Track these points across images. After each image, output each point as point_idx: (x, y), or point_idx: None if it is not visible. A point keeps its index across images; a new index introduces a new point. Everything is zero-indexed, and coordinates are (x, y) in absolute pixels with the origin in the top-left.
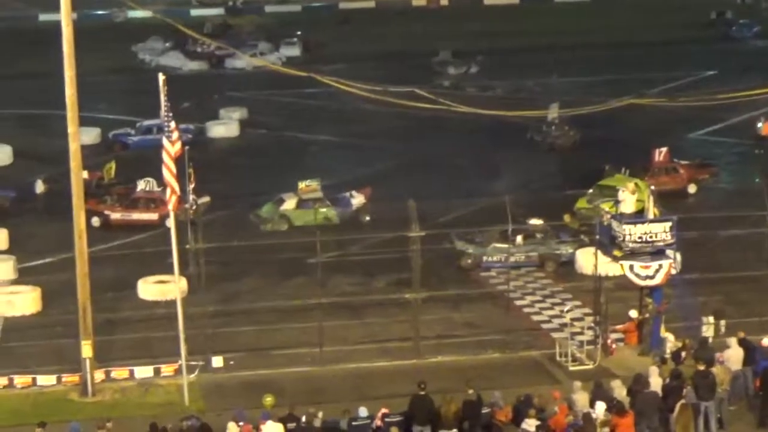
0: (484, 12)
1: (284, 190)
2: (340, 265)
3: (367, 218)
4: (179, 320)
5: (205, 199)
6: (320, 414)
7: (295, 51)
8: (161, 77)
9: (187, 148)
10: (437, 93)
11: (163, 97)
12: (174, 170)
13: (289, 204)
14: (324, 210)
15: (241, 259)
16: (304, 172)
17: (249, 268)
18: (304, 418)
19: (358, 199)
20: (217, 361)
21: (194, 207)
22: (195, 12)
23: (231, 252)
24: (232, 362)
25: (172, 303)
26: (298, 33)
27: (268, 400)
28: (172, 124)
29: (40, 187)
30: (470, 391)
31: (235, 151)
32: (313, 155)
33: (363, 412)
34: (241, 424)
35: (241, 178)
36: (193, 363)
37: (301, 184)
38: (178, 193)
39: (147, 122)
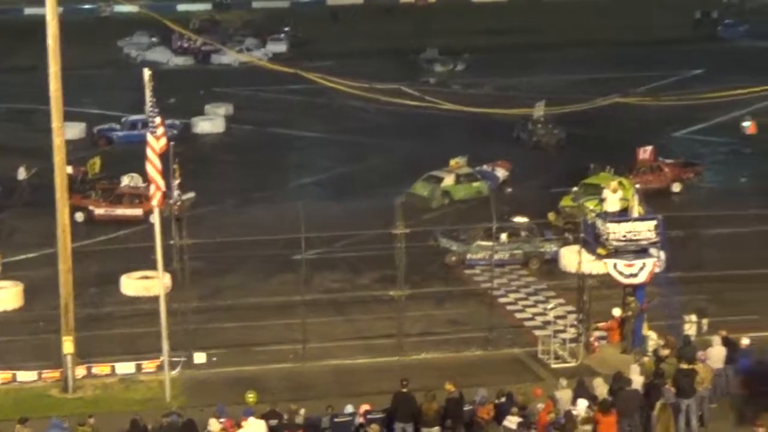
0: (472, 9)
1: (271, 186)
2: (325, 262)
3: (509, 190)
4: (162, 316)
5: (190, 195)
6: (302, 411)
7: (282, 47)
8: (147, 72)
9: (172, 143)
10: (423, 90)
11: (148, 93)
12: (159, 166)
13: (449, 180)
14: (477, 184)
15: (226, 256)
16: (291, 169)
17: (233, 264)
18: (286, 415)
19: (501, 172)
20: (200, 357)
21: (179, 203)
22: (182, 7)
23: (216, 248)
24: (214, 358)
25: (155, 299)
26: (286, 29)
27: (251, 396)
28: (158, 120)
29: (22, 173)
30: (452, 389)
31: (220, 147)
32: (300, 151)
33: (348, 408)
34: (222, 420)
35: (226, 173)
36: (175, 359)
37: (452, 161)
38: (163, 188)
39: (132, 117)
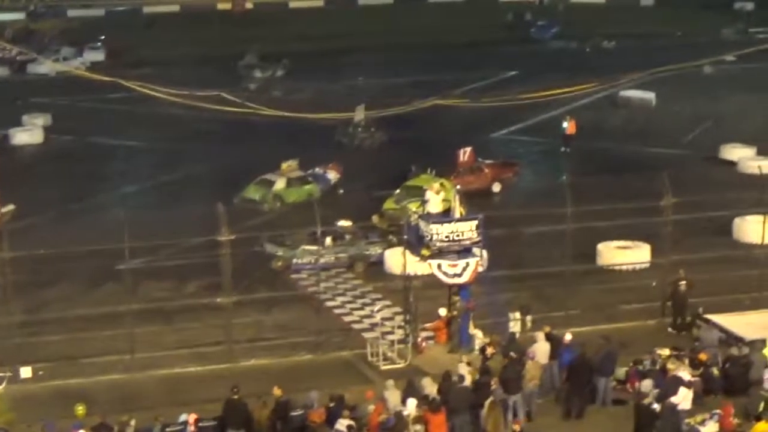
0: (290, 15)
1: (93, 196)
2: (151, 270)
3: (341, 191)
4: None
5: (10, 207)
6: (133, 422)
7: (99, 56)
8: None
9: None
10: (244, 96)
11: None
12: None
13: (280, 184)
14: (308, 187)
15: (50, 268)
16: (113, 178)
17: (57, 276)
18: (116, 427)
19: (332, 175)
20: (26, 372)
21: None
22: None
23: (39, 260)
24: (41, 372)
25: None
26: (102, 37)
27: (79, 409)
28: None
29: None
30: (279, 393)
31: (40, 157)
32: (122, 160)
33: (182, 417)
34: None
35: (47, 185)
36: (0, 374)
37: (284, 165)
38: None
39: None
